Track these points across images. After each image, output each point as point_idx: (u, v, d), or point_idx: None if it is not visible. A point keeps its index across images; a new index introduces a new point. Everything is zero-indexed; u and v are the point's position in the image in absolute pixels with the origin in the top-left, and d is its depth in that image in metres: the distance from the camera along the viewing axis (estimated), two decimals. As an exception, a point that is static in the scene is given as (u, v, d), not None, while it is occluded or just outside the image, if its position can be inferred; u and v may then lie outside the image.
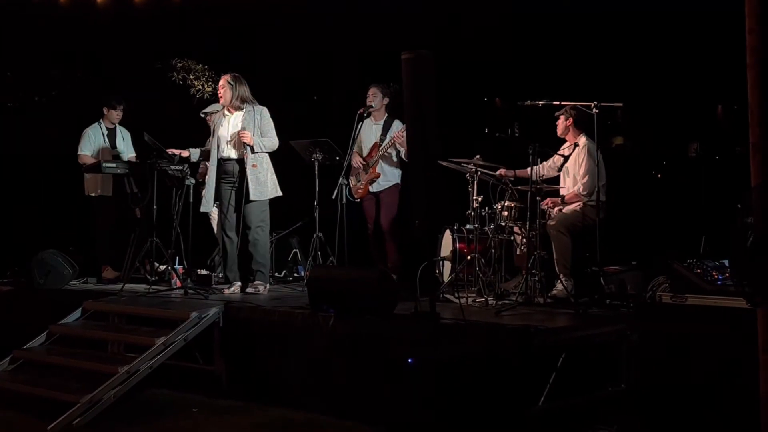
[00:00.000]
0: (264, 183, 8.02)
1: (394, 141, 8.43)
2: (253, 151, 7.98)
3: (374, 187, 8.67)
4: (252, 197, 7.95)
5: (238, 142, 8.01)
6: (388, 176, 8.62)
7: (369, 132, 8.74)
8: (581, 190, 7.57)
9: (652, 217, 9.58)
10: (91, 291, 8.41)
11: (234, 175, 8.08)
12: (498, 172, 7.89)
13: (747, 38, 6.48)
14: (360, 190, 8.70)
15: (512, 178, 7.86)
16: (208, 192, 8.14)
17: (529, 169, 7.65)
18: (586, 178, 7.54)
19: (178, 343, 6.86)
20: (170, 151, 8.48)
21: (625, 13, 9.78)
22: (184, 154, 8.64)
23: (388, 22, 10.35)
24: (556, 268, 7.44)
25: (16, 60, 11.30)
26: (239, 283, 8.12)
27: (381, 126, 8.70)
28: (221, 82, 8.15)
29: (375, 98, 8.65)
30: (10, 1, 10.42)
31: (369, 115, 8.66)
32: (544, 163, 8.01)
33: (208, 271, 9.20)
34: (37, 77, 11.49)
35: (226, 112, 8.18)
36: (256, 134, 8.01)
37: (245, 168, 7.98)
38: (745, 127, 6.75)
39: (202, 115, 9.27)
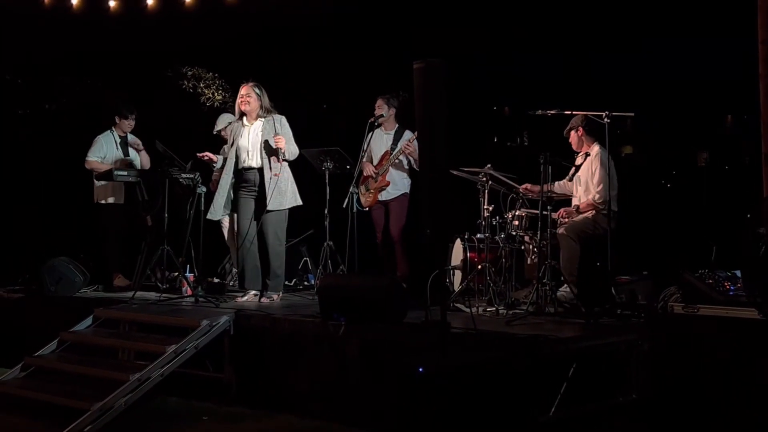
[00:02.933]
0: (284, 192, 7.97)
1: (404, 150, 8.44)
2: (283, 158, 7.93)
3: (383, 196, 8.67)
4: (271, 207, 7.89)
5: (261, 151, 7.96)
6: (398, 185, 8.61)
7: (380, 141, 8.75)
8: (597, 198, 7.52)
9: (663, 226, 9.57)
10: (101, 298, 8.43)
11: (255, 185, 8.01)
12: (522, 187, 7.84)
13: (759, 48, 6.49)
14: (369, 200, 8.70)
15: (536, 196, 7.81)
16: (217, 201, 8.12)
17: (556, 184, 7.79)
18: (600, 186, 7.49)
19: (189, 351, 6.87)
20: (201, 155, 8.50)
21: (634, 20, 9.80)
22: (215, 158, 8.65)
23: (398, 30, 10.39)
24: (562, 274, 7.43)
25: (26, 67, 11.35)
26: (253, 292, 8.09)
27: (392, 136, 8.70)
28: (245, 90, 8.04)
29: (380, 110, 8.66)
30: (21, 8, 10.45)
31: (380, 124, 8.68)
32: (568, 182, 7.98)
33: (219, 279, 9.21)
34: (46, 85, 11.53)
35: (245, 122, 8.13)
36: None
37: (264, 177, 7.95)
38: (755, 137, 6.76)
39: (216, 133, 9.26)
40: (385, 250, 8.73)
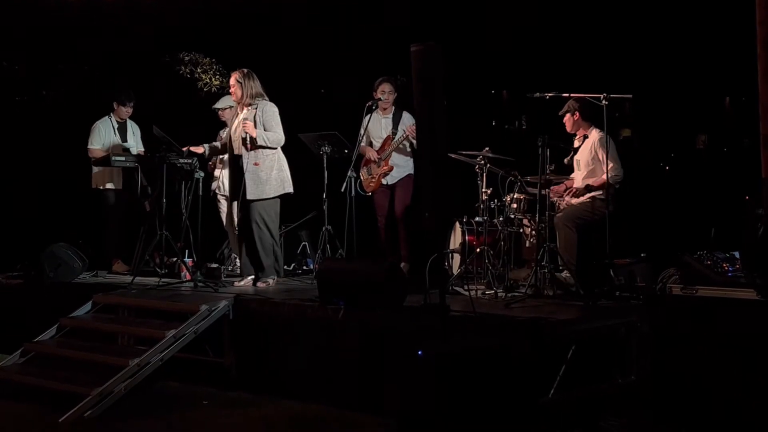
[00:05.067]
0: (266, 181, 7.91)
1: (408, 135, 8.42)
2: (255, 144, 7.88)
3: (387, 180, 8.65)
4: (249, 196, 7.89)
5: (243, 138, 7.98)
6: (402, 167, 8.58)
7: (378, 125, 8.72)
8: (613, 175, 7.36)
9: (661, 209, 9.55)
10: (101, 284, 8.44)
11: (242, 173, 7.98)
12: (553, 191, 7.73)
13: (757, 29, 6.48)
14: (372, 184, 8.69)
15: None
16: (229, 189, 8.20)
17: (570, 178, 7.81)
18: (612, 164, 7.43)
19: (189, 336, 6.88)
20: (186, 148, 8.47)
21: (633, 3, 9.76)
22: (199, 150, 8.64)
23: (395, 13, 10.35)
24: (560, 258, 7.42)
25: (24, 54, 11.32)
26: (251, 277, 8.10)
27: (390, 119, 8.67)
28: (231, 80, 8.06)
29: (390, 95, 8.62)
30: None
31: (377, 107, 8.64)
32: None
33: (218, 264, 9.21)
34: (45, 71, 11.50)
35: (239, 110, 8.14)
36: (259, 129, 7.93)
37: (244, 165, 7.93)
38: (753, 118, 6.75)
39: (215, 109, 9.26)
40: (387, 234, 8.72)
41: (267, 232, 7.98)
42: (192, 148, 8.54)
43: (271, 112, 8.00)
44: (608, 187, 7.29)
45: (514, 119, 10.87)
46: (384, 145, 8.66)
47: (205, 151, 8.66)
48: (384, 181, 8.64)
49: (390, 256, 8.56)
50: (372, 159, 8.67)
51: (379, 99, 8.58)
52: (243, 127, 7.91)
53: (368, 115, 8.47)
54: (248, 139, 7.89)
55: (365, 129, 8.52)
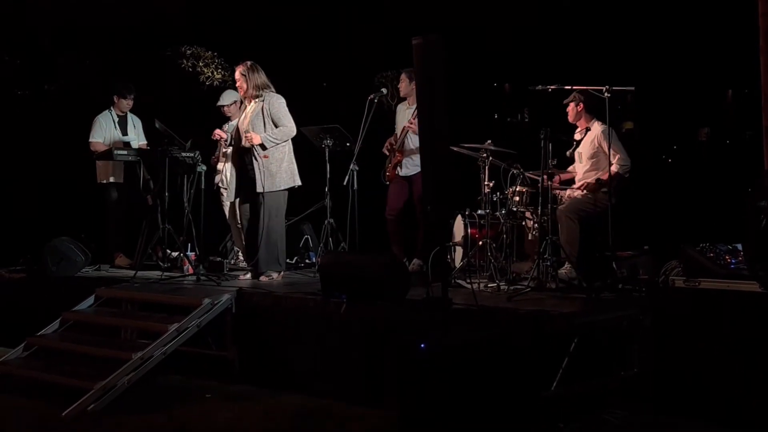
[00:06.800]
0: (275, 174, 7.90)
1: (407, 128, 8.41)
2: (264, 148, 7.87)
3: (404, 172, 8.65)
4: (259, 189, 7.88)
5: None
6: (416, 161, 8.47)
7: (402, 116, 8.75)
8: (621, 167, 7.46)
9: (664, 201, 9.55)
10: (103, 278, 8.44)
11: (249, 165, 7.96)
12: (555, 181, 7.82)
13: (759, 21, 6.46)
14: (388, 173, 8.71)
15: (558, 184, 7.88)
16: (233, 182, 8.19)
17: (569, 170, 7.85)
18: (618, 156, 7.46)
19: (191, 330, 6.89)
20: (214, 135, 8.49)
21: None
22: (224, 135, 8.65)
23: (397, 6, 10.34)
24: (562, 250, 7.42)
25: (25, 48, 11.32)
26: (251, 271, 8.10)
27: (413, 110, 8.64)
28: (236, 74, 8.04)
29: (402, 83, 8.65)
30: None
31: (400, 100, 8.69)
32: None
33: (220, 258, 9.22)
34: (46, 65, 11.50)
35: (246, 103, 8.13)
36: (269, 127, 7.91)
37: (253, 158, 7.91)
38: (755, 111, 6.74)
39: (219, 107, 9.26)
40: (392, 227, 8.69)
41: (274, 225, 7.97)
42: (219, 133, 8.58)
43: (278, 104, 7.98)
44: (616, 177, 7.30)
45: (516, 112, 10.88)
46: (400, 134, 8.66)
47: (228, 139, 8.65)
48: (399, 172, 8.62)
49: (394, 248, 8.55)
50: (387, 148, 8.70)
51: (382, 92, 8.57)
52: (245, 140, 7.88)
53: (372, 108, 8.43)
54: (255, 148, 7.87)
55: (367, 122, 8.52)
